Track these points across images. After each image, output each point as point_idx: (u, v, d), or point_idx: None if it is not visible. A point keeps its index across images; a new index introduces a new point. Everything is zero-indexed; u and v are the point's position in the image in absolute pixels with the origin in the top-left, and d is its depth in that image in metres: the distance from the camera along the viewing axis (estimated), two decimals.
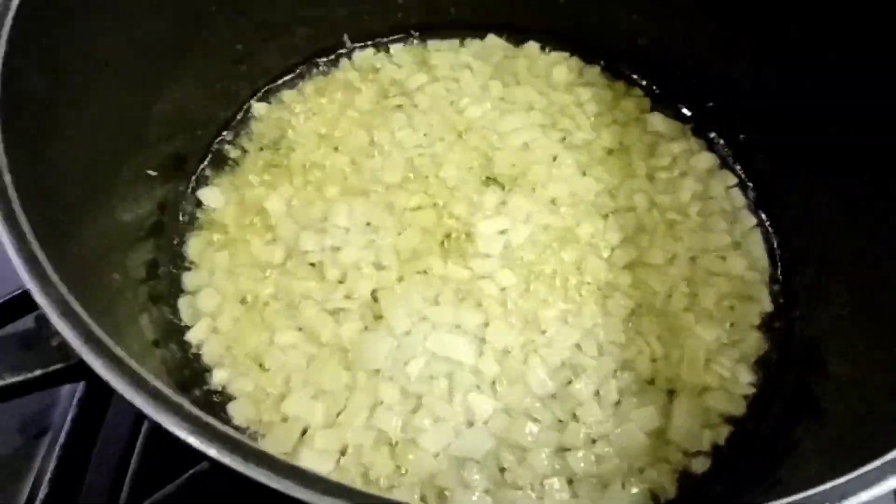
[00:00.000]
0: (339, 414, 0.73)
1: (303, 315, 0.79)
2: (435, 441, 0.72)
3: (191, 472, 0.66)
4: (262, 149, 0.93)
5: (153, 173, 0.82)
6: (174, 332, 0.78)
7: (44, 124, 0.62)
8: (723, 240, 0.87)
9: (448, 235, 0.85)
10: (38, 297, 0.45)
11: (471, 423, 0.73)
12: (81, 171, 0.68)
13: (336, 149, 0.93)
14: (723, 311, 0.82)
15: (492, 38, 1.05)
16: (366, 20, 1.03)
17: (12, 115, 0.57)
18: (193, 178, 0.90)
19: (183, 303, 0.81)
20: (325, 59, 1.03)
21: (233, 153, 0.93)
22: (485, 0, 1.04)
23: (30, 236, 0.48)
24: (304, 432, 0.73)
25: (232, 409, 0.74)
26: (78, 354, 0.43)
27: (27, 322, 0.69)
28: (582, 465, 0.72)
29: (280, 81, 1.00)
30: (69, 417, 0.78)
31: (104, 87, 0.72)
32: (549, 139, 0.94)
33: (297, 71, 1.01)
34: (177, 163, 0.88)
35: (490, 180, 0.90)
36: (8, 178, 0.51)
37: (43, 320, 0.45)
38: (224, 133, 0.95)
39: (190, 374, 0.76)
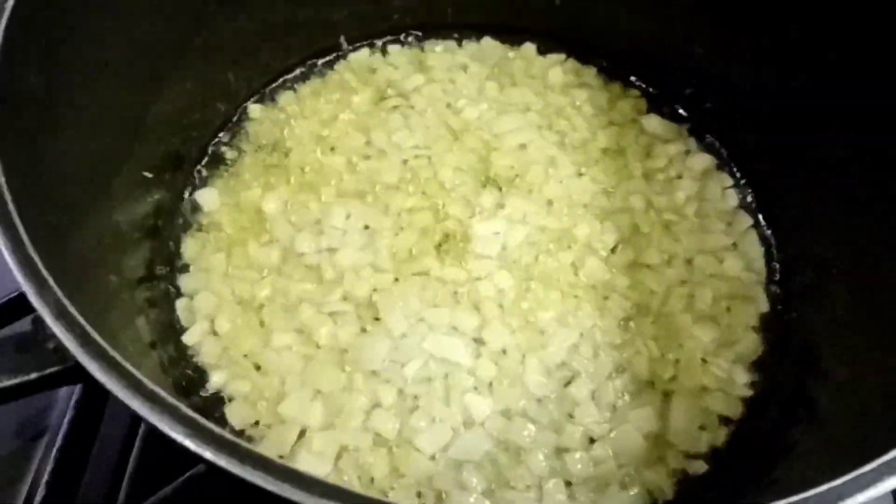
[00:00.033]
0: (336, 416, 0.73)
1: (300, 317, 0.79)
2: (432, 443, 0.72)
3: (188, 474, 0.66)
4: (258, 150, 0.93)
5: (150, 175, 0.82)
6: (171, 334, 0.78)
7: (40, 125, 0.62)
8: (720, 241, 0.87)
9: (445, 237, 0.85)
10: (34, 300, 0.45)
11: (468, 425, 0.73)
12: (78, 172, 0.68)
13: (333, 150, 0.93)
14: (720, 312, 0.82)
15: (488, 40, 1.05)
16: (363, 21, 1.03)
17: (8, 116, 0.57)
18: (190, 179, 0.90)
19: (179, 305, 0.81)
20: (321, 61, 1.02)
21: (229, 154, 0.93)
22: (481, 2, 1.04)
23: (25, 238, 0.48)
24: (301, 434, 0.73)
25: (229, 411, 0.74)
26: (74, 357, 0.43)
27: (24, 325, 0.69)
28: (579, 466, 0.72)
29: (277, 83, 1.00)
30: (66, 420, 0.78)
31: (101, 88, 0.72)
32: (546, 140, 0.94)
33: (294, 72, 1.01)
34: (173, 164, 0.88)
35: (487, 181, 0.90)
36: (3, 180, 0.51)
37: (39, 323, 0.45)
38: (221, 134, 0.95)
39: (187, 376, 0.76)
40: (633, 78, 1.02)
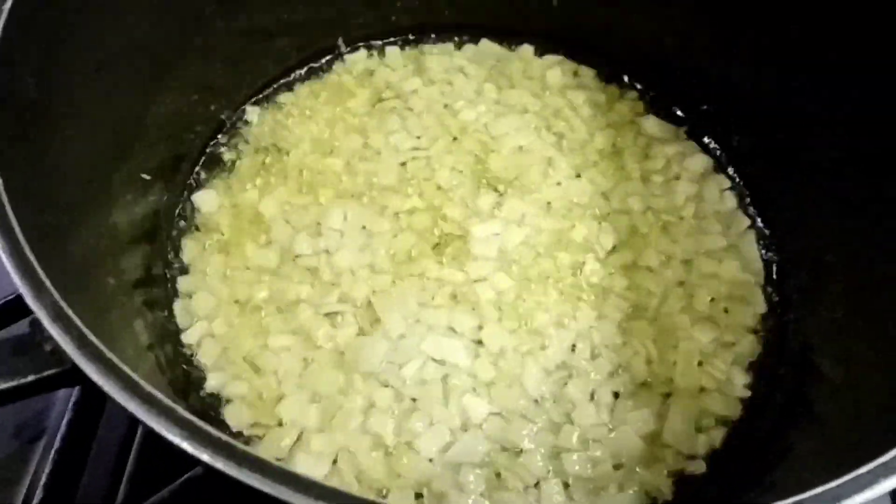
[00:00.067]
0: (334, 417, 0.73)
1: (298, 318, 0.79)
2: (430, 444, 0.72)
3: (186, 476, 0.65)
4: (256, 152, 0.93)
5: (148, 177, 0.82)
6: (169, 335, 0.78)
7: (37, 127, 0.62)
8: (717, 242, 0.87)
9: (443, 238, 0.85)
10: (31, 302, 0.45)
11: (466, 426, 0.73)
12: (75, 174, 0.68)
13: (330, 152, 0.93)
14: (717, 313, 0.83)
15: (486, 42, 1.05)
16: (360, 23, 1.03)
17: (5, 117, 0.57)
18: (188, 181, 0.90)
19: (178, 306, 0.81)
20: (319, 63, 1.03)
21: (227, 156, 0.93)
22: (479, 3, 1.04)
23: (22, 240, 0.48)
24: (299, 436, 0.73)
25: (227, 412, 0.74)
26: (72, 359, 0.43)
27: (21, 327, 0.69)
28: (577, 467, 0.72)
29: (275, 85, 1.00)
30: (64, 422, 0.78)
31: (99, 90, 0.72)
32: (544, 142, 0.94)
33: (292, 74, 1.01)
34: (171, 166, 0.88)
35: (485, 183, 0.90)
36: (0, 182, 0.50)
37: (37, 325, 0.45)
38: (219, 136, 0.95)
39: (185, 378, 0.76)
40: (630, 80, 1.02)
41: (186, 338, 0.78)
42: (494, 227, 0.86)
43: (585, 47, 1.04)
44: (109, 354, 0.42)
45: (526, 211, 0.87)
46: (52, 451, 0.75)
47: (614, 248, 0.86)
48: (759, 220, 0.91)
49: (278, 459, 0.71)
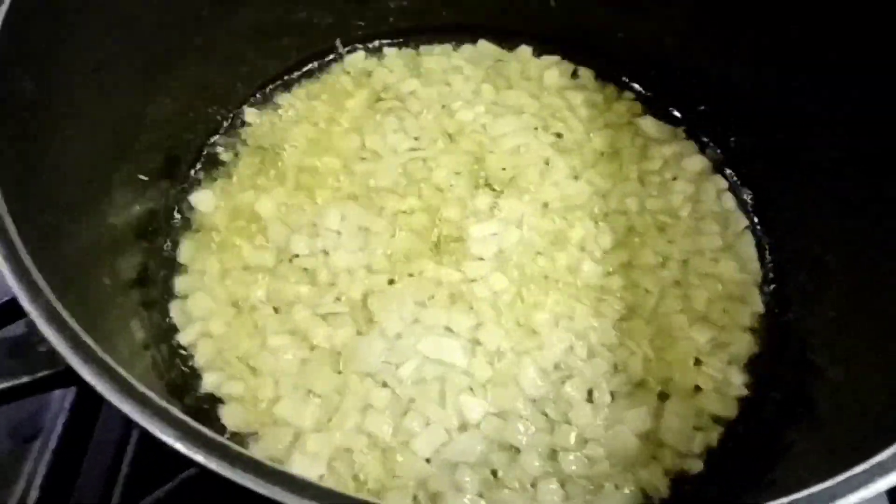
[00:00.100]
0: (330, 418, 0.73)
1: (294, 319, 0.79)
2: (427, 444, 0.72)
3: (182, 476, 0.65)
4: (254, 153, 0.93)
5: (145, 177, 0.82)
6: (165, 336, 0.78)
7: (33, 128, 0.62)
8: (714, 242, 0.87)
9: (440, 239, 0.85)
10: (25, 304, 0.44)
11: (463, 426, 0.73)
12: (72, 175, 0.68)
13: (328, 152, 0.93)
14: (714, 313, 0.83)
15: (484, 42, 1.05)
16: (358, 24, 1.03)
17: (1, 118, 0.57)
18: (185, 181, 0.90)
19: (174, 307, 0.81)
20: (317, 64, 1.03)
21: (225, 157, 0.93)
22: (477, 4, 1.04)
23: (18, 242, 0.48)
24: (295, 436, 0.72)
25: (223, 413, 0.74)
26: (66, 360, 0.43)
27: (18, 328, 0.69)
28: (574, 466, 0.72)
29: (273, 85, 1.00)
30: (60, 422, 0.77)
31: (97, 91, 0.72)
32: (541, 142, 0.94)
33: (290, 75, 1.01)
34: (169, 167, 0.88)
35: (482, 183, 0.90)
36: None
37: (33, 326, 0.45)
38: (216, 137, 0.95)
39: (181, 378, 0.76)
40: (628, 80, 1.02)
41: (183, 338, 0.78)
42: (492, 227, 0.86)
43: (583, 48, 1.04)
44: (103, 355, 0.42)
45: (523, 211, 0.87)
46: (48, 452, 0.75)
47: (611, 249, 0.86)
48: (756, 219, 0.91)
49: (275, 459, 0.71)
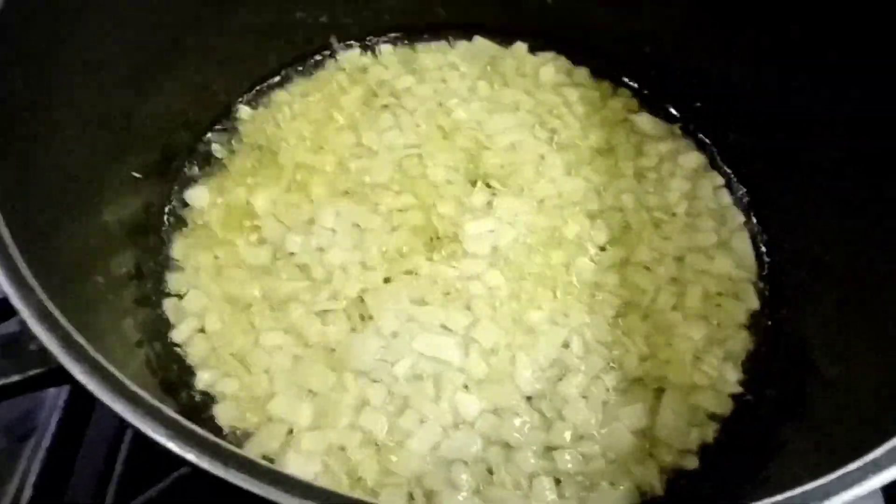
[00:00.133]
0: (325, 415, 0.73)
1: (289, 316, 0.79)
2: (422, 442, 0.71)
3: (176, 474, 0.65)
4: (249, 150, 0.93)
5: (138, 175, 0.82)
6: (159, 333, 0.78)
7: (26, 126, 0.62)
8: (710, 239, 0.87)
9: (436, 236, 0.85)
10: (16, 302, 0.44)
11: (458, 424, 0.73)
12: (65, 173, 0.67)
13: (323, 150, 0.93)
14: (710, 309, 0.83)
15: (479, 39, 1.05)
16: (353, 21, 1.03)
17: None
18: (179, 179, 0.90)
19: (168, 304, 0.80)
20: (312, 61, 1.02)
21: (219, 154, 0.93)
22: (473, 1, 1.03)
23: (9, 240, 0.48)
24: (290, 434, 0.72)
25: (217, 410, 0.74)
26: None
27: (10, 325, 0.68)
28: (569, 464, 0.72)
29: (268, 82, 1.00)
30: (54, 420, 0.77)
31: (91, 90, 0.72)
32: (537, 139, 0.94)
33: (285, 72, 1.01)
34: (163, 164, 0.88)
35: (478, 180, 0.90)
36: None
37: (25, 324, 0.45)
38: (211, 134, 0.94)
39: (175, 376, 0.76)
40: (624, 77, 1.02)
41: (177, 335, 0.78)
42: (487, 224, 0.86)
43: (579, 45, 1.03)
44: (95, 354, 0.42)
45: (519, 208, 0.87)
46: (42, 450, 0.75)
47: (607, 246, 0.86)
48: (753, 216, 0.91)
49: (269, 457, 0.71)
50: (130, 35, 0.76)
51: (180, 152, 0.91)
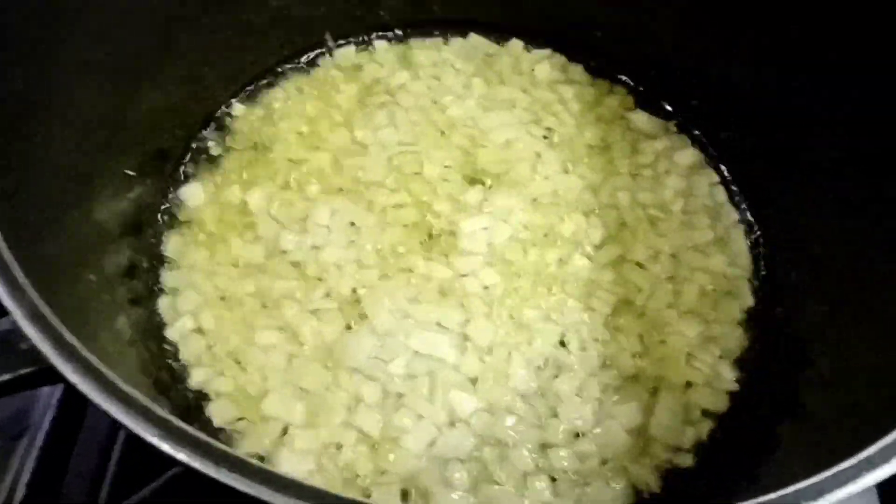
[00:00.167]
0: (319, 413, 0.73)
1: (284, 315, 0.79)
2: (416, 440, 0.71)
3: (169, 473, 0.65)
4: (243, 147, 0.93)
5: (132, 173, 0.82)
6: (153, 332, 0.77)
7: (17, 123, 0.61)
8: (705, 236, 0.87)
9: (431, 233, 0.85)
10: (7, 302, 0.44)
11: (453, 422, 0.73)
12: (57, 171, 0.67)
13: (318, 147, 0.92)
14: (705, 307, 0.83)
15: (474, 36, 1.04)
16: (349, 18, 1.02)
17: None
18: (173, 176, 0.89)
19: (162, 302, 0.80)
20: (307, 58, 1.02)
21: (214, 151, 0.92)
22: None
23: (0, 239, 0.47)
24: (284, 432, 0.72)
25: (211, 409, 0.74)
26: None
27: (2, 324, 0.68)
28: (564, 462, 0.72)
29: (263, 80, 0.99)
30: (48, 419, 0.77)
31: (83, 87, 0.71)
32: (533, 137, 0.94)
33: (279, 69, 1.00)
34: (157, 161, 0.87)
35: (473, 178, 0.90)
36: None
37: (16, 322, 0.45)
38: (205, 131, 0.94)
39: (169, 374, 0.75)
40: (620, 74, 1.02)
41: (171, 334, 0.78)
42: (482, 221, 0.86)
43: (575, 42, 1.03)
44: (86, 353, 0.42)
45: (514, 206, 0.87)
46: (36, 449, 0.75)
47: (602, 243, 0.86)
48: (748, 214, 0.91)
49: (263, 456, 0.71)
50: (124, 33, 0.75)
51: (174, 150, 0.90)
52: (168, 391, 0.73)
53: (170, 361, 0.76)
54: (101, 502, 0.72)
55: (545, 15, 1.02)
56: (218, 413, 0.73)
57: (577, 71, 1.02)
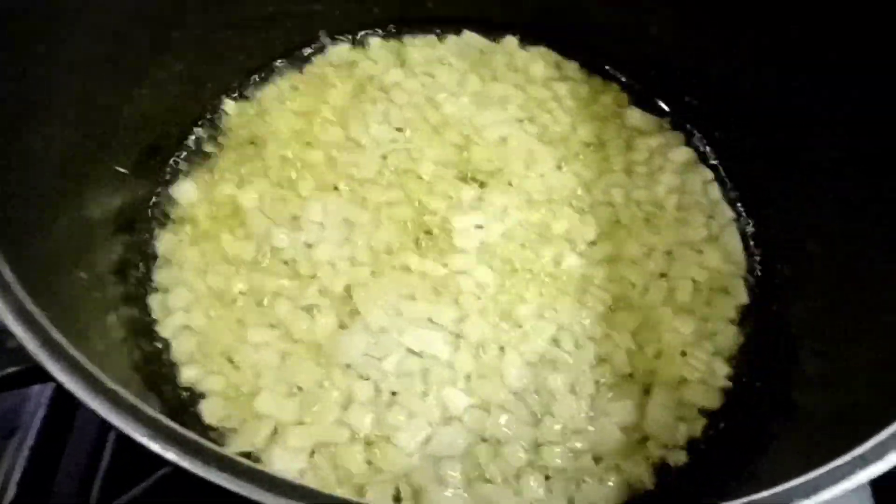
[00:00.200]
0: (312, 411, 0.73)
1: (276, 312, 0.78)
2: (410, 437, 0.71)
3: (160, 472, 0.65)
4: (236, 144, 0.92)
5: (124, 170, 0.81)
6: (144, 330, 0.77)
7: (8, 120, 0.61)
8: (699, 233, 0.87)
9: (424, 231, 0.85)
10: None
11: (446, 419, 0.73)
12: (47, 168, 0.67)
13: (311, 144, 0.92)
14: (699, 304, 0.83)
15: (469, 33, 1.04)
16: (343, 15, 1.02)
17: None
18: (165, 173, 0.89)
19: (153, 300, 0.80)
20: (300, 54, 1.01)
21: (206, 149, 0.92)
22: None
23: None
24: (276, 430, 0.72)
25: (203, 407, 0.73)
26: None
27: None
28: (558, 459, 0.72)
29: (256, 76, 0.99)
30: (38, 418, 0.76)
31: (74, 84, 0.71)
32: (527, 134, 0.94)
33: (273, 66, 1.00)
34: (149, 159, 0.87)
35: (467, 175, 0.90)
36: None
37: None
38: (197, 129, 0.93)
39: (160, 372, 0.75)
40: (614, 71, 1.01)
41: (162, 331, 0.77)
42: (476, 219, 0.85)
43: (569, 39, 1.03)
44: (73, 352, 0.41)
45: (508, 203, 0.87)
46: (26, 448, 0.74)
47: (597, 240, 0.86)
48: (742, 211, 0.91)
49: (255, 454, 0.70)
50: (113, 28, 0.75)
51: (166, 147, 0.90)
52: (159, 389, 0.73)
53: (161, 359, 0.76)
54: (93, 501, 0.72)
55: (540, 12, 1.02)
56: (210, 411, 0.73)
57: (572, 68, 1.02)
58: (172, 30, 0.85)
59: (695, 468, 0.73)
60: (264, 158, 0.90)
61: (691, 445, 0.75)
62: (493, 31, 1.04)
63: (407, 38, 1.04)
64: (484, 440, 0.72)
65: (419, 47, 1.03)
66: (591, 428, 0.73)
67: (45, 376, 0.43)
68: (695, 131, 0.97)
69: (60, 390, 0.76)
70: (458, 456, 0.71)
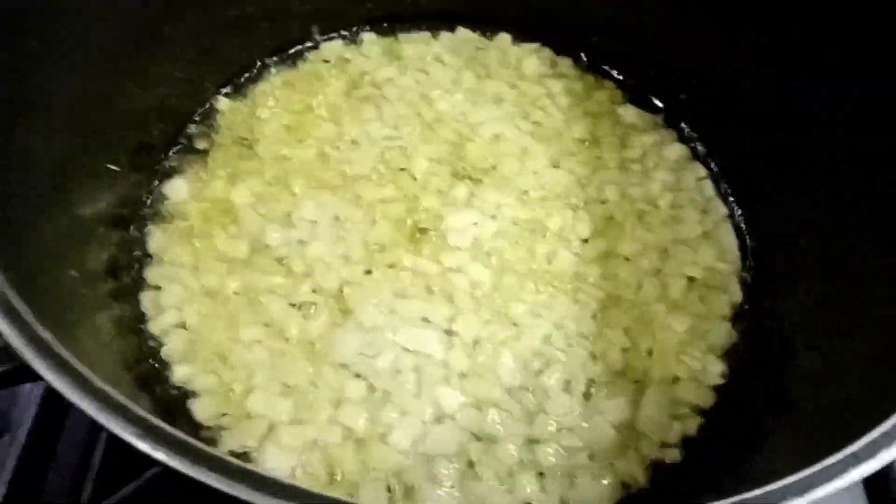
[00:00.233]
0: (304, 410, 0.72)
1: (269, 310, 0.78)
2: (403, 436, 0.71)
3: (152, 471, 0.64)
4: (228, 142, 0.92)
5: (115, 168, 0.81)
6: (135, 328, 0.76)
7: (2, 119, 0.60)
8: (693, 230, 0.87)
9: (418, 228, 0.85)
10: None
11: (439, 418, 0.73)
12: (38, 166, 0.66)
13: (304, 141, 0.91)
14: (693, 301, 0.83)
15: (462, 30, 1.04)
16: (336, 11, 1.01)
17: None
18: (158, 171, 0.88)
19: (145, 298, 0.79)
20: (293, 51, 1.01)
21: (199, 146, 0.91)
22: None
23: None
24: (269, 429, 0.71)
25: (195, 405, 0.73)
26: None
27: None
28: (551, 457, 0.71)
29: (249, 73, 0.98)
30: (30, 416, 0.76)
31: (66, 81, 0.70)
32: (521, 131, 0.94)
33: (266, 63, 0.99)
34: (141, 156, 0.86)
35: (461, 172, 0.89)
36: None
37: None
38: (190, 126, 0.93)
39: (152, 370, 0.74)
40: (608, 68, 1.01)
41: (153, 330, 0.77)
42: (470, 216, 0.85)
43: (563, 36, 1.03)
44: (60, 350, 0.41)
45: (502, 200, 0.87)
46: (17, 447, 0.74)
47: (590, 238, 0.86)
48: (736, 208, 0.91)
49: (247, 453, 0.70)
50: (105, 25, 0.74)
51: (159, 144, 0.90)
52: (151, 388, 0.73)
53: (152, 357, 0.75)
54: (84, 500, 0.72)
55: (534, 9, 1.01)
56: (202, 410, 0.72)
57: (566, 65, 1.02)
58: (166, 27, 0.84)
59: (689, 466, 0.73)
60: (257, 156, 0.90)
61: (685, 443, 0.74)
62: (487, 27, 1.04)
63: (401, 35, 1.04)
64: (477, 438, 0.72)
65: (413, 44, 1.03)
66: (584, 426, 0.73)
67: (34, 375, 0.43)
68: (689, 128, 0.97)
69: (51, 389, 0.77)
70: (452, 454, 0.71)
